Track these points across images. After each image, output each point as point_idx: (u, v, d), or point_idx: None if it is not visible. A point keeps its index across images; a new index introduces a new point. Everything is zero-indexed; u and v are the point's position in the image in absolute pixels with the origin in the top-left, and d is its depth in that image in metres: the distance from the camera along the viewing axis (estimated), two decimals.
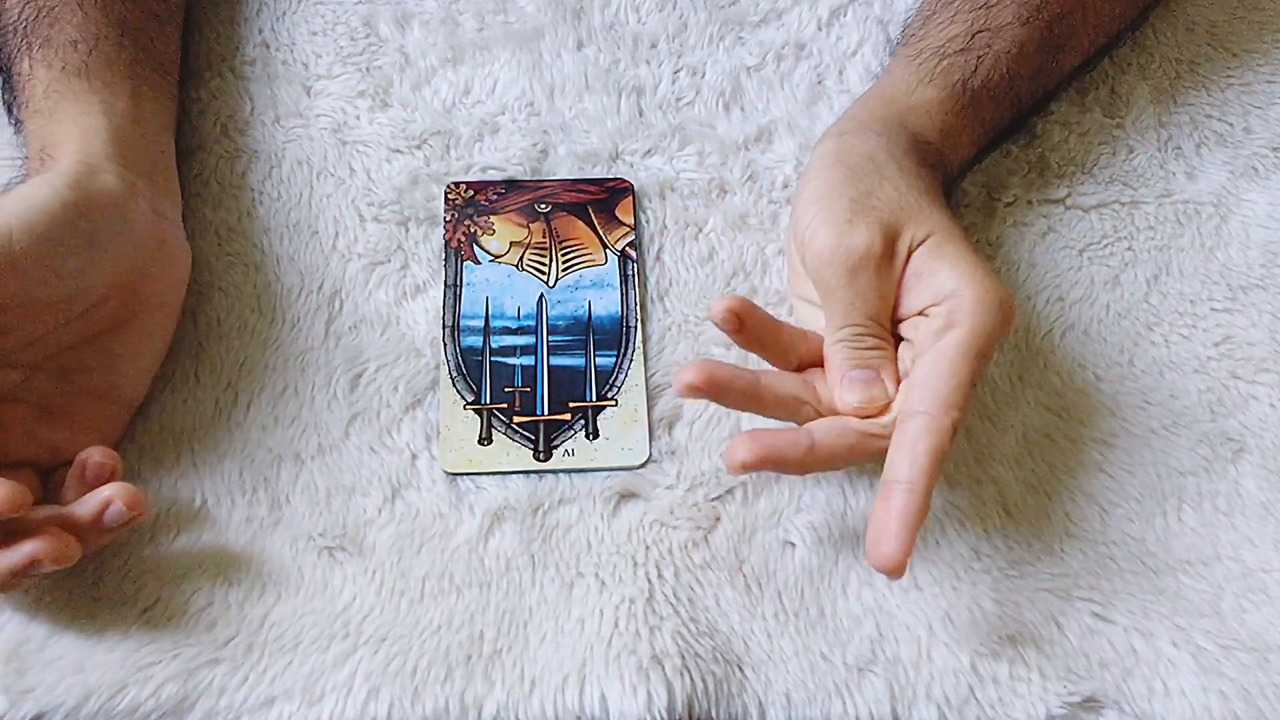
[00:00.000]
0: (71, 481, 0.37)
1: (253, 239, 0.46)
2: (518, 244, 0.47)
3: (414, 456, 0.42)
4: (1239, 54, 0.53)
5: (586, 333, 0.44)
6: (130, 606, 0.38)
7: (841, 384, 0.38)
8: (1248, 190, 0.49)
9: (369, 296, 0.45)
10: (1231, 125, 0.51)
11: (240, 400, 0.42)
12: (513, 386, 0.43)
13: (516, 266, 0.46)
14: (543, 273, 0.46)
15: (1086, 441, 0.42)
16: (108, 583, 0.38)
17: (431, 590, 0.39)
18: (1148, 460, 0.42)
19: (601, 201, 0.48)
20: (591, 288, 0.46)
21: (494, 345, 0.44)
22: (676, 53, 0.52)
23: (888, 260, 0.38)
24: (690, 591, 0.39)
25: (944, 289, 0.37)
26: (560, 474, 0.41)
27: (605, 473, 0.41)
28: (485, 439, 0.42)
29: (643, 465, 0.42)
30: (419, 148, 0.49)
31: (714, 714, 0.37)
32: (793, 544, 0.40)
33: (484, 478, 0.41)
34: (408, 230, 0.47)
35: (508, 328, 0.44)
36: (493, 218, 0.47)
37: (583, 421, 0.42)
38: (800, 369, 0.40)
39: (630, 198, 0.48)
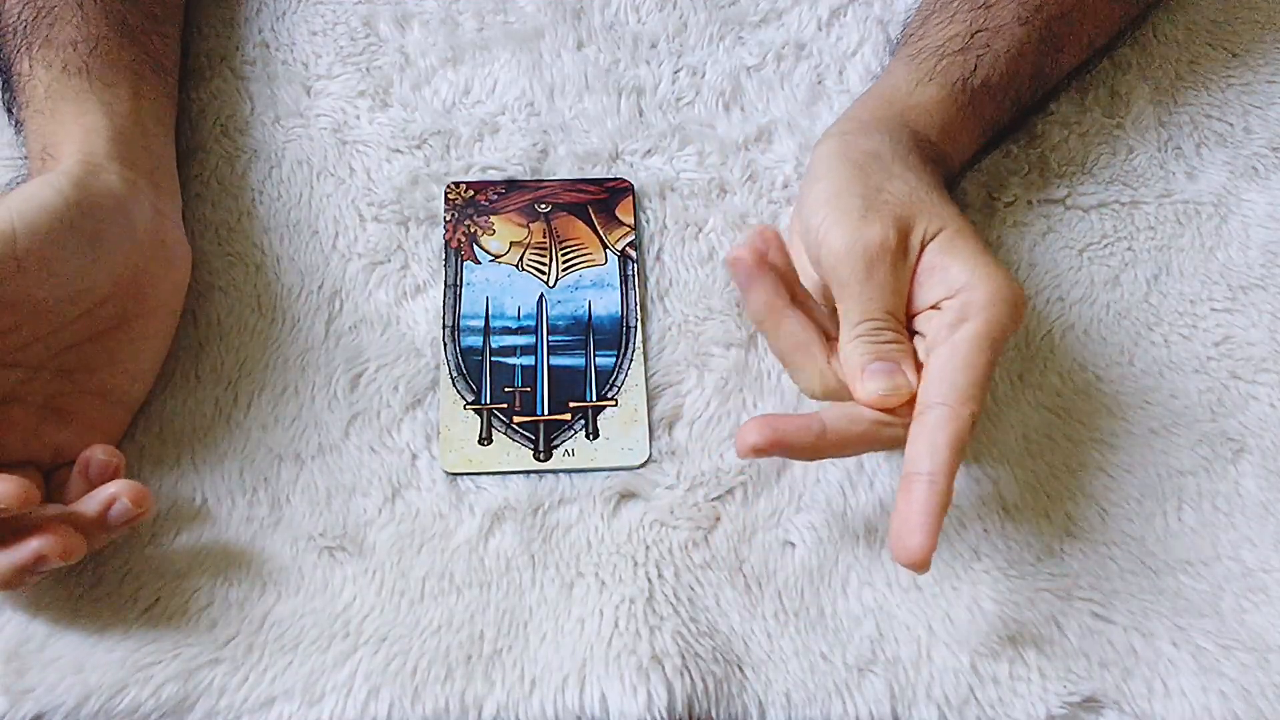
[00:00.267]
0: (75, 480, 0.37)
1: (253, 239, 0.46)
2: (518, 244, 0.47)
3: (414, 456, 0.42)
4: (1239, 54, 0.53)
5: (586, 333, 0.44)
6: (130, 606, 0.38)
7: (863, 375, 0.37)
8: (1248, 190, 0.49)
9: (369, 296, 0.45)
10: (1231, 125, 0.51)
11: (240, 400, 0.42)
12: (513, 386, 0.43)
13: (516, 266, 0.46)
14: (543, 273, 0.46)
15: (1086, 441, 0.42)
16: (108, 583, 0.38)
17: (431, 590, 0.39)
18: (1148, 460, 0.42)
19: (601, 201, 0.48)
20: (591, 288, 0.46)
21: (494, 345, 0.44)
22: (676, 53, 0.52)
23: (902, 254, 0.38)
24: (690, 591, 0.39)
25: (957, 282, 0.37)
26: (560, 474, 0.41)
27: (605, 473, 0.41)
28: (485, 439, 0.42)
29: (643, 465, 0.42)
30: (419, 148, 0.49)
31: (714, 714, 0.37)
32: (793, 544, 0.40)
33: (484, 478, 0.41)
34: (408, 230, 0.47)
35: (508, 328, 0.44)
36: (493, 218, 0.47)
37: (583, 421, 0.42)
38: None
39: (630, 198, 0.48)
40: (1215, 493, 0.42)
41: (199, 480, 0.41)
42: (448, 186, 0.48)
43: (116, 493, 0.36)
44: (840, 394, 0.37)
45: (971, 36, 0.45)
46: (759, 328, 0.38)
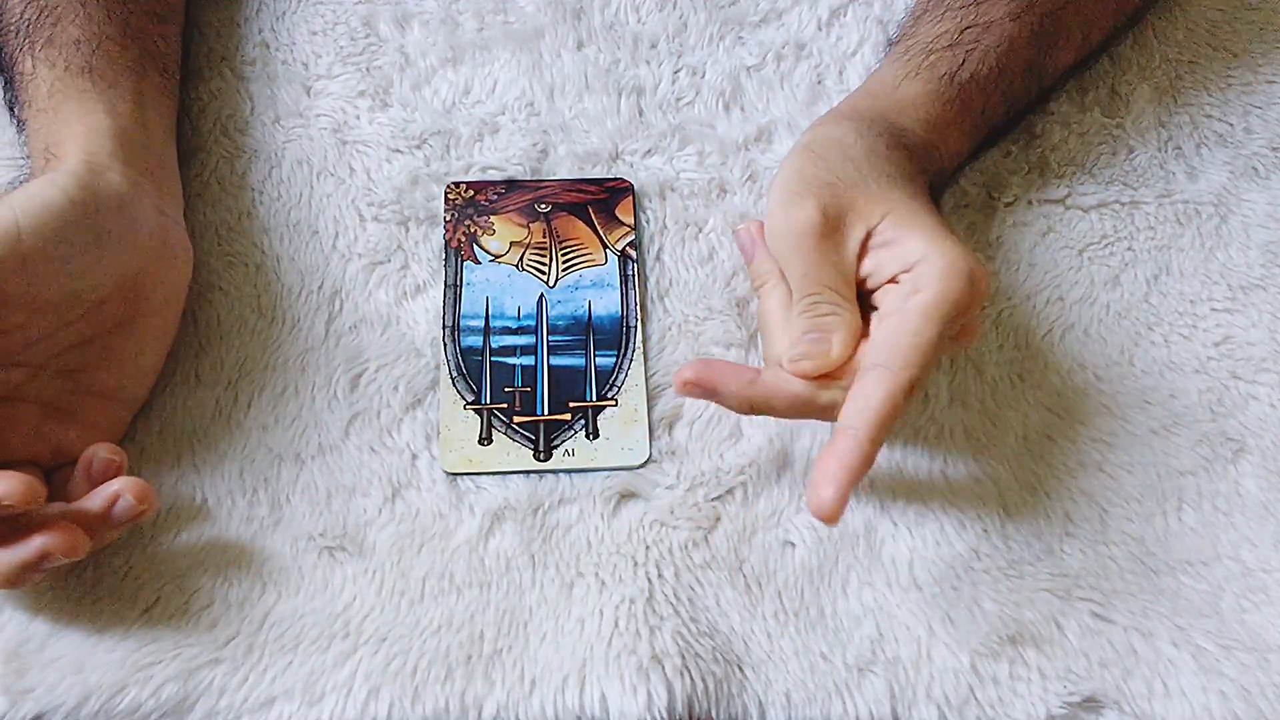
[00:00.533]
0: (78, 478, 0.37)
1: (253, 239, 0.46)
2: (518, 244, 0.47)
3: (414, 456, 0.42)
4: (1239, 54, 0.53)
5: (586, 333, 0.44)
6: (130, 606, 0.38)
7: (792, 344, 0.38)
8: (1248, 190, 0.49)
9: (369, 296, 0.45)
10: (1231, 125, 0.51)
11: (240, 400, 0.42)
12: (513, 386, 0.43)
13: (516, 266, 0.46)
14: (543, 273, 0.46)
15: (1086, 441, 0.42)
16: (108, 583, 0.38)
17: (431, 590, 0.39)
18: (1148, 460, 0.42)
19: (601, 201, 0.48)
20: (591, 288, 0.46)
21: (494, 345, 0.44)
22: (676, 53, 0.52)
23: (834, 233, 0.39)
24: (690, 591, 0.39)
25: (912, 256, 0.38)
26: (560, 474, 0.41)
27: (605, 473, 0.41)
28: (485, 439, 0.42)
29: (643, 465, 0.42)
30: (419, 148, 0.49)
31: (714, 714, 0.37)
32: (793, 544, 0.40)
33: (484, 478, 0.41)
34: (408, 230, 0.47)
35: (508, 328, 0.44)
36: (493, 218, 0.47)
37: (583, 421, 0.42)
38: None
39: (630, 198, 0.48)
40: (1215, 493, 0.42)
41: (199, 480, 0.41)
42: (448, 186, 0.48)
43: (120, 489, 0.36)
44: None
45: (961, 33, 0.45)
46: (756, 290, 0.43)
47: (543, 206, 0.48)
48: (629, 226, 0.47)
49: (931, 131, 0.44)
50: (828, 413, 0.37)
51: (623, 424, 0.42)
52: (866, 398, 0.35)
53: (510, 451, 0.42)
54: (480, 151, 0.49)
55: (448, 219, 0.47)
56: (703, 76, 0.51)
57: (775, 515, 0.41)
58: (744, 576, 0.40)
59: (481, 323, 0.45)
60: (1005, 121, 0.48)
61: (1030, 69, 0.46)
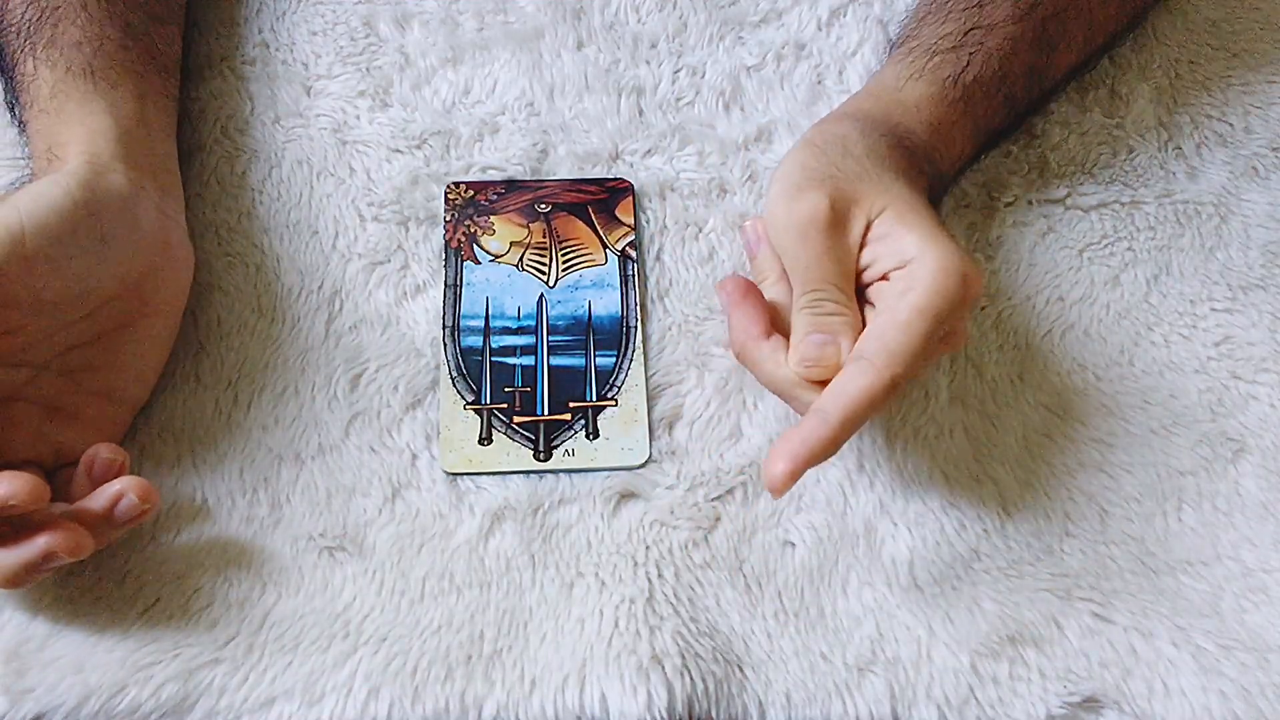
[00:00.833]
0: (80, 478, 0.37)
1: (253, 239, 0.46)
2: (518, 244, 0.47)
3: (414, 456, 0.42)
4: (1239, 54, 0.53)
5: (586, 333, 0.44)
6: (130, 606, 0.38)
7: (799, 346, 0.38)
8: (1248, 190, 0.49)
9: (369, 296, 0.45)
10: (1231, 125, 0.51)
11: (240, 400, 0.42)
12: (513, 386, 0.43)
13: (516, 266, 0.46)
14: (543, 273, 0.46)
15: (1086, 441, 0.42)
16: (108, 583, 0.38)
17: (431, 590, 0.39)
18: (1147, 460, 0.42)
19: (601, 201, 0.48)
20: (591, 288, 0.46)
21: (494, 345, 0.44)
22: (676, 53, 0.52)
23: (839, 226, 0.39)
24: (690, 591, 0.39)
25: (907, 254, 0.38)
26: (560, 474, 0.41)
27: (605, 473, 0.41)
28: (485, 439, 0.42)
29: (643, 465, 0.42)
30: (419, 148, 0.49)
31: (714, 714, 0.37)
32: (793, 544, 0.40)
33: (484, 478, 0.41)
34: (408, 230, 0.47)
35: (508, 328, 0.44)
36: (493, 218, 0.47)
37: (583, 421, 0.42)
38: None
39: (630, 198, 0.48)
40: (1215, 493, 0.42)
41: (199, 480, 0.41)
42: (448, 186, 0.48)
43: (123, 489, 0.36)
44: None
45: (965, 34, 0.45)
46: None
47: (543, 206, 0.48)
48: (629, 226, 0.47)
49: (934, 133, 0.44)
50: (802, 410, 0.37)
51: (623, 424, 0.42)
52: (845, 387, 0.35)
53: (510, 451, 0.42)
54: (480, 151, 0.49)
55: (448, 219, 0.47)
56: (703, 76, 0.51)
57: (775, 515, 0.41)
58: (744, 576, 0.40)
59: (481, 323, 0.45)
60: (1006, 124, 0.48)
61: (1032, 71, 0.46)
